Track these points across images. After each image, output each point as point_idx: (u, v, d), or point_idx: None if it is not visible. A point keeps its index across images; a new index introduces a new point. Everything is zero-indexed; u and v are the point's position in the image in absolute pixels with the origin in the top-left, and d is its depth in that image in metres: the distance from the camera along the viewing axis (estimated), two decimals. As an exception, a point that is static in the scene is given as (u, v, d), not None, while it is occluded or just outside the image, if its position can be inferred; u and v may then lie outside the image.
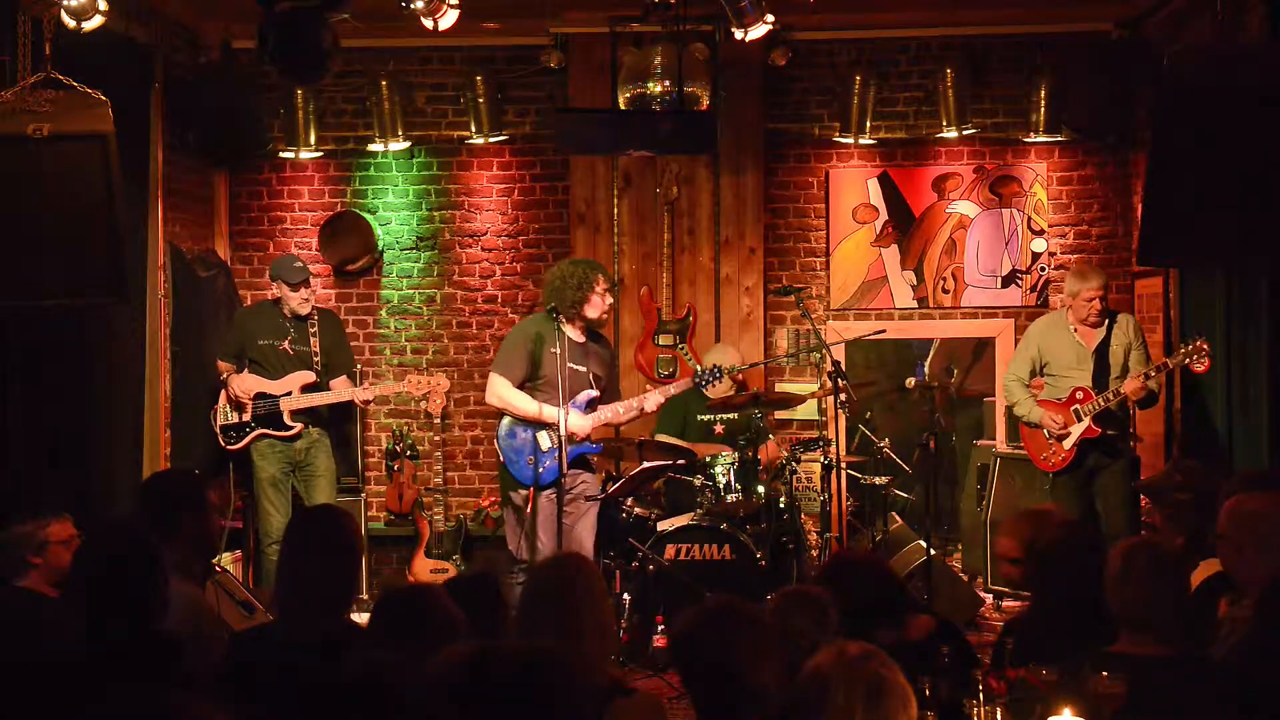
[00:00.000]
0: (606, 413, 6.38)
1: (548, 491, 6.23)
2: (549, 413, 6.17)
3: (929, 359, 9.05)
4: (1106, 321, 6.67)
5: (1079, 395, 6.56)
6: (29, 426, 5.74)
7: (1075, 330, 6.70)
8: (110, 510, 6.20)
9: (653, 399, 6.52)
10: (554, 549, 6.13)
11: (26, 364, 5.76)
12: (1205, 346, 6.13)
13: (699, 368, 6.70)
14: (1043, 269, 7.96)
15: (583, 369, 6.26)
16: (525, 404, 6.25)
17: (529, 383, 6.28)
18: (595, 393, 6.29)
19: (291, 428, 6.84)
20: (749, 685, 2.94)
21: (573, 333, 6.28)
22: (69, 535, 4.26)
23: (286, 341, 6.91)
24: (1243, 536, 3.73)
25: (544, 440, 6.24)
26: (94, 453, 6.38)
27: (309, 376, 6.89)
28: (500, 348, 6.58)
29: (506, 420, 6.34)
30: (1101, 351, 6.63)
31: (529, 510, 6.21)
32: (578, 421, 6.20)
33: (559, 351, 6.15)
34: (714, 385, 6.66)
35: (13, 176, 5.15)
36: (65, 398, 6.09)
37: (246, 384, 6.83)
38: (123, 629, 3.31)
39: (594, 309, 6.27)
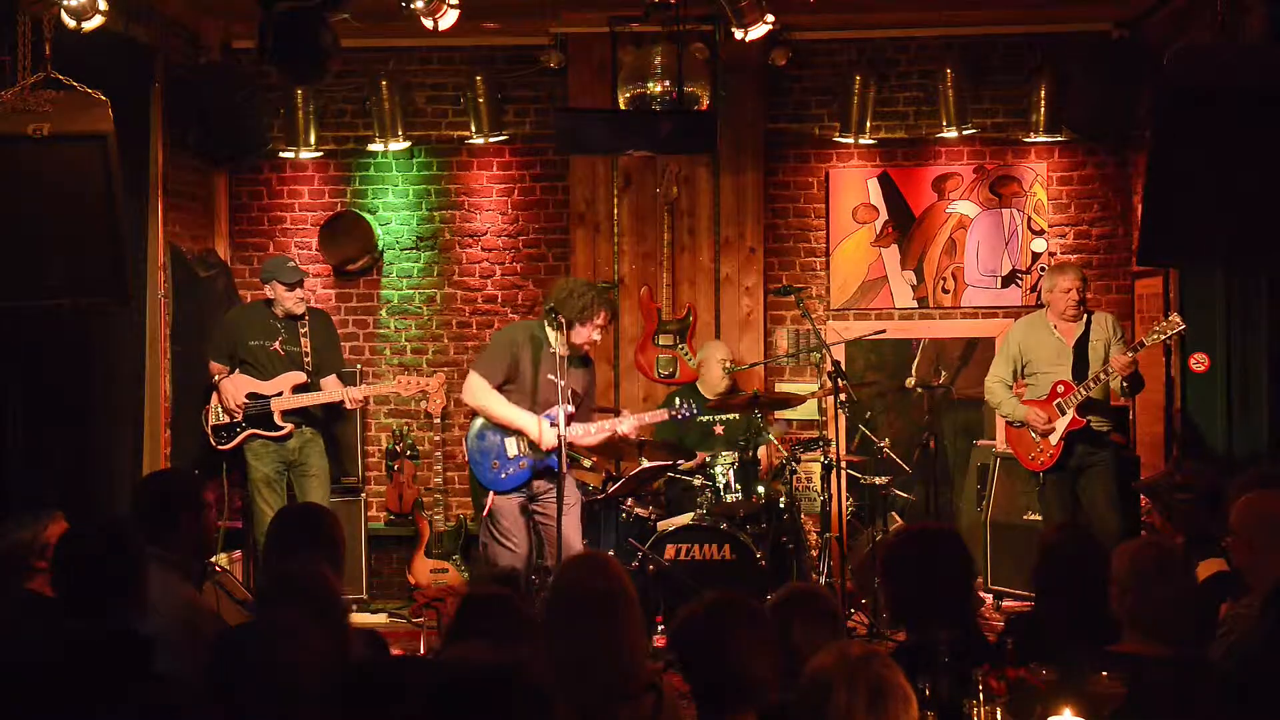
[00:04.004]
0: (578, 429, 6.19)
1: (514, 496, 6.16)
2: (524, 420, 6.09)
3: (915, 361, 9.03)
4: (1086, 318, 6.72)
5: (1060, 389, 6.59)
6: (29, 426, 5.74)
7: (1055, 327, 6.74)
8: (110, 510, 6.20)
9: (627, 423, 6.32)
10: (525, 553, 6.12)
11: (27, 364, 5.76)
12: (1178, 320, 6.19)
13: (676, 400, 6.55)
14: (1043, 269, 7.95)
15: (561, 382, 6.02)
16: (501, 408, 6.13)
17: (504, 386, 6.19)
18: (571, 408, 6.06)
19: (282, 428, 6.81)
20: (746, 678, 3.00)
21: (558, 345, 6.13)
22: (65, 532, 4.27)
23: (278, 342, 6.87)
24: (1254, 534, 3.74)
25: (510, 447, 6.14)
26: (94, 453, 6.38)
27: (299, 377, 6.85)
28: (484, 348, 6.51)
29: (479, 421, 6.23)
30: (1080, 347, 6.67)
31: (484, 514, 6.15)
32: (549, 432, 6.03)
33: (540, 360, 6.10)
34: (690, 417, 6.50)
35: (13, 176, 5.15)
36: (65, 398, 6.08)
37: (238, 387, 6.81)
38: (92, 627, 3.31)
39: (579, 335, 6.09)
